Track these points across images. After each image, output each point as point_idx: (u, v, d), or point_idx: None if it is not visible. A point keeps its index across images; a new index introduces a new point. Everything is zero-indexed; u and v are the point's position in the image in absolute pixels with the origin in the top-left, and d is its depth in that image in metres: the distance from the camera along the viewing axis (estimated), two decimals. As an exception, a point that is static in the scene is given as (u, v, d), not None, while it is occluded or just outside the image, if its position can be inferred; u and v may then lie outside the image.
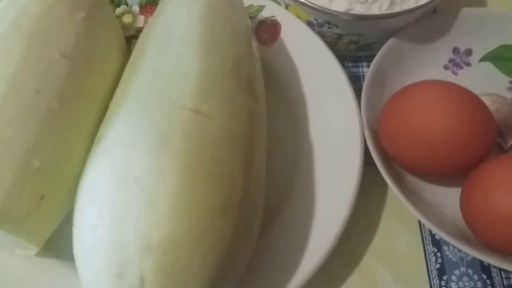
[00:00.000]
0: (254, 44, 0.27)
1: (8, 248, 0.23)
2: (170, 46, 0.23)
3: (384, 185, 0.29)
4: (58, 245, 0.24)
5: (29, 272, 0.24)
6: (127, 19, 0.35)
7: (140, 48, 0.24)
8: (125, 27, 0.34)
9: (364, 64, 0.35)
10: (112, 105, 0.23)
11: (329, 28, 0.32)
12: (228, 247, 0.19)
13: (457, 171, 0.26)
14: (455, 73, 0.33)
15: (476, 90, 0.30)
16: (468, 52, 0.33)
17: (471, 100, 0.25)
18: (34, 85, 0.21)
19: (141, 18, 0.35)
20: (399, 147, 0.26)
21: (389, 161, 0.28)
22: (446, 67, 0.33)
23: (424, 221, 0.24)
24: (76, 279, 0.20)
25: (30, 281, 0.24)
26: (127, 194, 0.18)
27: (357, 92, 0.30)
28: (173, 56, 0.22)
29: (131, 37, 0.34)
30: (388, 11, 0.33)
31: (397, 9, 0.33)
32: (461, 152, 0.24)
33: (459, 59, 0.33)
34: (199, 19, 0.24)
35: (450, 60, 0.33)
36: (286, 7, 0.33)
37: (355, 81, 0.34)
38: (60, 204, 0.22)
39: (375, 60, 0.30)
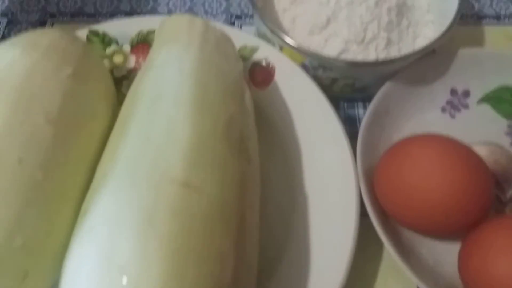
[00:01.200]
0: (248, 95, 0.27)
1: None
2: (159, 107, 0.22)
3: (380, 240, 0.28)
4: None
5: None
6: (118, 59, 0.34)
7: (129, 107, 0.24)
8: (115, 67, 0.34)
9: (360, 104, 0.34)
10: (99, 171, 0.22)
11: (323, 71, 0.31)
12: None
13: (455, 231, 0.25)
14: (452, 116, 0.33)
15: (474, 135, 0.30)
16: (466, 93, 0.33)
17: (468, 158, 0.25)
18: (17, 154, 0.20)
19: (133, 58, 0.34)
20: (396, 205, 0.25)
21: (384, 215, 0.27)
22: (443, 110, 0.33)
23: (418, 283, 0.24)
24: None
25: None
26: (111, 281, 0.17)
27: (353, 135, 0.29)
28: (163, 119, 0.22)
29: (122, 78, 0.33)
30: (385, 51, 0.32)
31: (394, 49, 0.33)
32: (459, 213, 0.24)
33: (457, 100, 0.33)
34: (191, 75, 0.23)
35: (448, 102, 0.33)
36: (280, 49, 0.32)
37: (351, 123, 0.34)
38: (44, 281, 0.21)
39: (370, 107, 0.30)
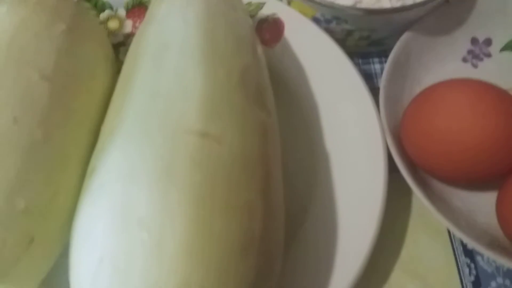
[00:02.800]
0: (260, 49, 0.24)
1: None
2: (166, 58, 0.20)
3: (409, 193, 0.27)
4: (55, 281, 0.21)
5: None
6: (113, 24, 0.31)
7: (131, 62, 0.21)
8: (111, 33, 0.31)
9: (376, 60, 0.32)
10: (105, 129, 0.20)
11: (337, 24, 0.29)
12: (251, 291, 0.16)
13: (491, 176, 0.23)
14: (475, 66, 0.31)
15: (499, 83, 0.28)
16: (488, 42, 0.31)
17: (502, 99, 0.23)
18: (11, 113, 0.18)
19: (129, 23, 0.31)
20: (427, 153, 0.23)
21: (413, 167, 0.26)
22: (465, 60, 0.31)
23: (454, 230, 0.22)
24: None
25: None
26: (130, 237, 0.15)
27: (371, 91, 0.27)
28: (171, 70, 0.20)
29: (118, 45, 0.31)
30: (400, 1, 0.30)
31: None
32: (494, 156, 0.22)
33: (478, 50, 0.31)
34: (197, 24, 0.21)
35: (469, 52, 0.31)
36: (289, 3, 0.30)
37: (367, 79, 0.31)
38: (52, 246, 0.19)
39: (391, 56, 0.28)
